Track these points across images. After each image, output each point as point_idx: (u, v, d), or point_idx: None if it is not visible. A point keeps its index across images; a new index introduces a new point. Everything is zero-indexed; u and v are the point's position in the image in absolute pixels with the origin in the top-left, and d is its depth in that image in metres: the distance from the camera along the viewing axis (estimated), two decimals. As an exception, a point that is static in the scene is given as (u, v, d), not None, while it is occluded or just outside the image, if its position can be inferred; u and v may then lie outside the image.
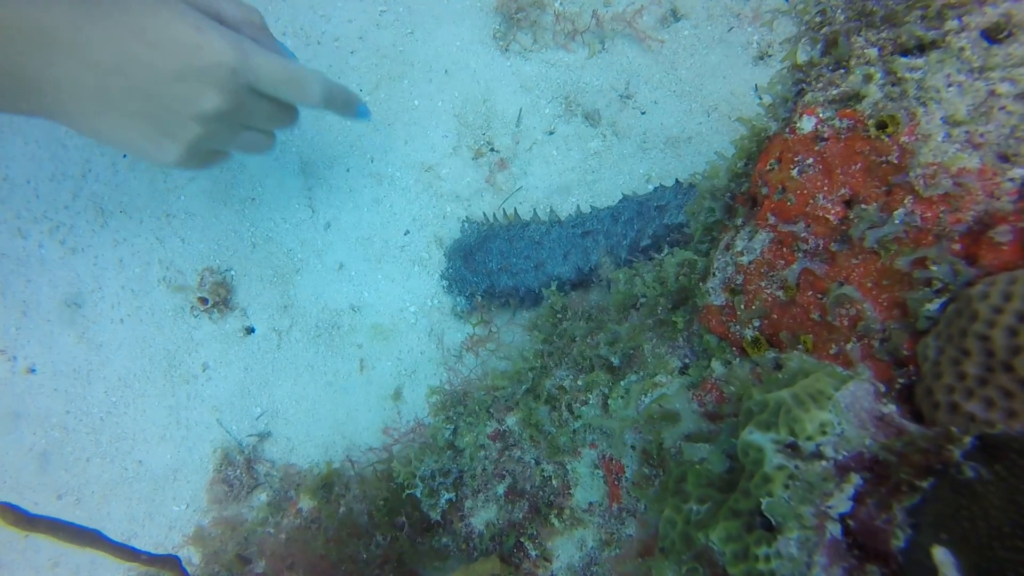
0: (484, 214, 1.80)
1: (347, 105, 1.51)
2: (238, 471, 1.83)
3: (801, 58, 1.01)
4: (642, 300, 1.20)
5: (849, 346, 0.76)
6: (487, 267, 1.71)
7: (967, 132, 0.73)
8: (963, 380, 0.59)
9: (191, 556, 1.81)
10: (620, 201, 1.66)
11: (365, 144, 1.97)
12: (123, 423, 1.85)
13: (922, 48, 0.82)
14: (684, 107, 1.79)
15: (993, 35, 0.76)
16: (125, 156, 2.02)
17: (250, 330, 1.92)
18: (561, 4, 1.97)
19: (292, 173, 1.98)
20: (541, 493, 1.29)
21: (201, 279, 1.92)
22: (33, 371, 1.89)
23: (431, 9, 2.06)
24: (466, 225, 1.82)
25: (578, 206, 1.75)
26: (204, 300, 1.86)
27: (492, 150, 1.95)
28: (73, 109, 1.21)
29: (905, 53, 0.84)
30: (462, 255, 1.77)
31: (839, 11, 0.93)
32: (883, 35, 0.89)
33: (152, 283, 1.94)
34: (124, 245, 1.96)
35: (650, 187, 1.72)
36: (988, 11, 0.77)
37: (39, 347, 1.90)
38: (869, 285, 0.76)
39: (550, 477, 1.28)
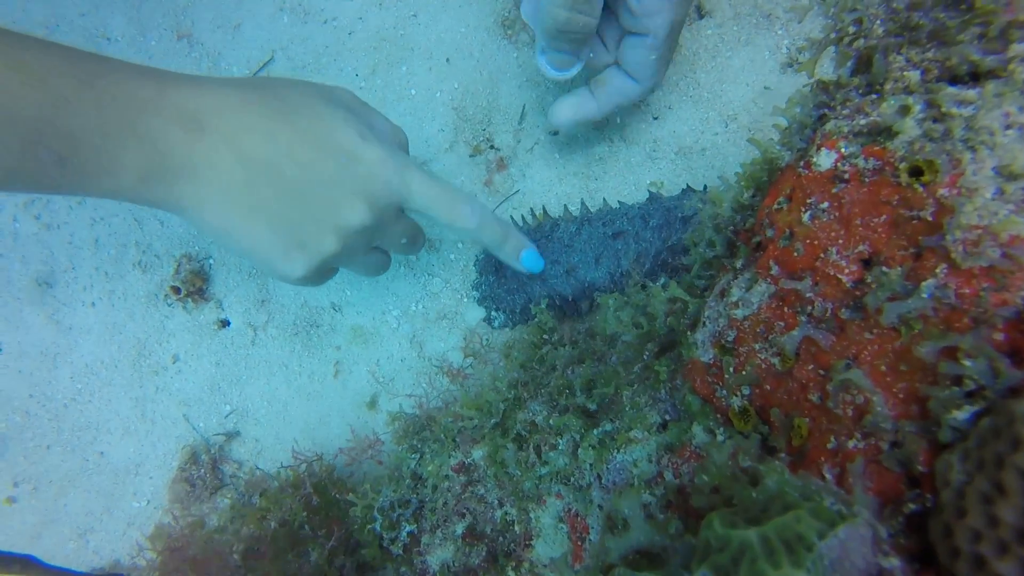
0: (512, 218, 1.64)
1: (507, 244, 1.36)
2: (202, 471, 1.75)
3: (823, 72, 0.86)
4: (625, 339, 1.06)
5: (852, 443, 0.62)
6: (518, 278, 1.56)
7: (1024, 189, 0.58)
8: (995, 528, 0.45)
9: (146, 556, 1.74)
10: (648, 200, 1.50)
11: (357, 133, 1.84)
12: (87, 412, 1.78)
13: (976, 77, 0.66)
14: (700, 114, 1.62)
15: (1069, 67, 0.60)
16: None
17: (225, 323, 1.82)
18: (577, -8, 1.81)
19: (279, 159, 1.86)
20: (501, 539, 1.17)
21: (178, 266, 1.82)
22: None
23: (438, -10, 1.91)
24: None
25: (604, 199, 1.58)
26: (177, 289, 1.77)
27: (491, 147, 1.81)
28: (210, 202, 1.08)
29: (955, 81, 0.68)
30: (494, 270, 1.63)
31: (878, 22, 0.77)
32: (929, 55, 0.73)
33: (127, 266, 1.85)
34: (101, 224, 1.87)
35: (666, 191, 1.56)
36: (1066, 36, 0.61)
37: (6, 325, 1.83)
38: (883, 369, 0.62)
39: (512, 522, 1.16)
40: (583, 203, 1.57)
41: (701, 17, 1.67)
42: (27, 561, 1.24)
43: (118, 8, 1.97)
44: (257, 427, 1.78)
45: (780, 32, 1.60)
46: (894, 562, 0.49)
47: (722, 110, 1.61)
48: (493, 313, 1.66)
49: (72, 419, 1.77)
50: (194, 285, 1.79)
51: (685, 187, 1.49)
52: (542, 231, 1.55)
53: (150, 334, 1.80)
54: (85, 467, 1.75)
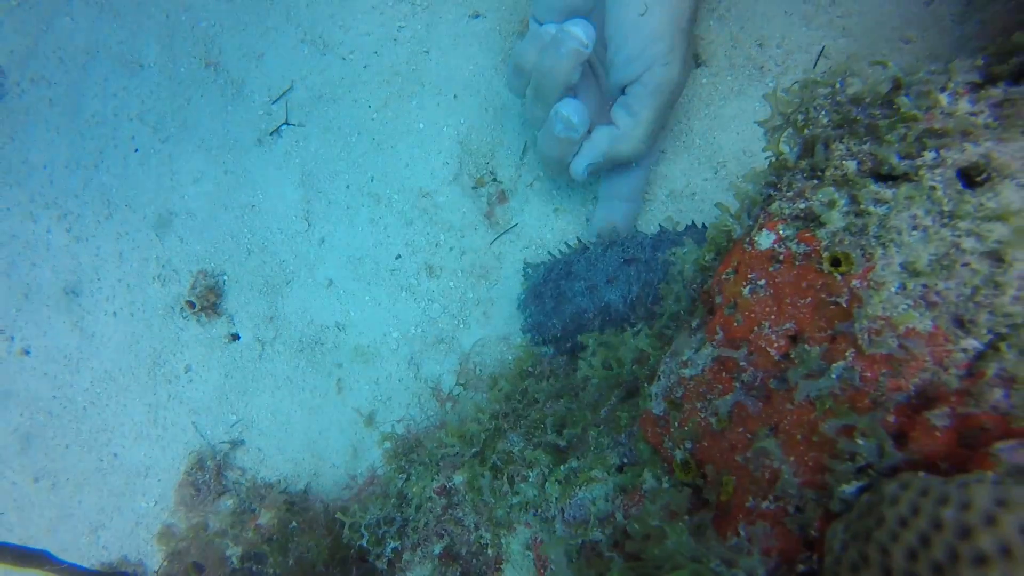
0: (550, 253, 1.67)
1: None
2: (207, 476, 1.85)
3: (784, 149, 0.93)
4: (593, 382, 1.14)
5: (765, 504, 0.69)
6: (548, 305, 1.60)
7: (924, 286, 0.65)
8: (856, 593, 0.52)
9: (153, 551, 1.85)
10: (659, 232, 1.55)
11: (367, 163, 1.95)
12: (104, 415, 1.90)
13: (895, 177, 0.73)
14: (691, 159, 1.70)
15: (970, 176, 0.67)
16: (137, 151, 2.05)
17: (235, 337, 1.93)
18: (581, 37, 1.90)
19: (293, 184, 1.98)
20: (475, 561, 1.25)
21: (194, 281, 1.94)
22: (27, 353, 1.95)
23: (451, 29, 2.01)
24: (529, 270, 1.69)
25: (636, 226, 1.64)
26: (192, 304, 1.88)
27: (494, 180, 1.90)
28: None
29: (879, 177, 0.76)
30: (535, 300, 1.64)
31: (823, 112, 0.85)
32: (865, 148, 0.80)
33: (147, 280, 1.97)
34: (125, 239, 2.00)
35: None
36: (968, 148, 0.68)
37: (36, 330, 1.96)
38: (799, 438, 0.69)
39: (486, 546, 1.24)
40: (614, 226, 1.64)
41: (697, 66, 1.75)
42: (43, 557, 1.35)
43: (152, 36, 2.10)
44: (261, 437, 1.89)
45: (771, 84, 1.67)
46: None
47: (712, 157, 1.69)
48: (544, 348, 1.64)
49: (90, 421, 1.89)
50: (208, 300, 1.91)
51: (690, 223, 1.55)
52: (573, 255, 1.59)
53: (165, 344, 1.92)
54: (100, 467, 1.87)
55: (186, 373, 1.91)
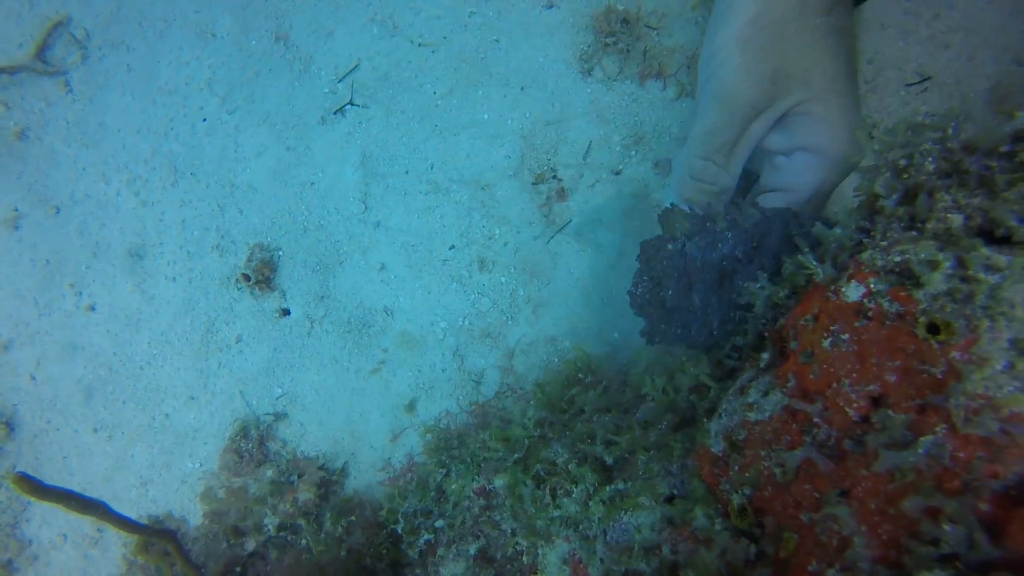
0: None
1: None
2: (251, 445, 1.91)
3: (880, 191, 0.87)
4: (650, 404, 1.12)
5: (831, 572, 0.66)
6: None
7: (1035, 368, 0.60)
8: None
9: (196, 509, 1.93)
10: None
11: (428, 150, 1.94)
12: (159, 376, 1.97)
13: (1011, 241, 0.68)
14: (764, 175, 1.63)
15: (1102, 253, 0.61)
16: (204, 120, 2.09)
17: (286, 312, 1.97)
18: (659, 37, 1.83)
19: (353, 165, 1.99)
20: (509, 567, 1.25)
21: (250, 254, 1.98)
22: (93, 309, 2.03)
23: (523, 18, 1.97)
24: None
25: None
26: (247, 276, 1.92)
27: (555, 177, 1.87)
28: None
29: (991, 239, 0.70)
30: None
31: (930, 159, 0.79)
32: (975, 202, 0.74)
33: (206, 249, 2.02)
34: (188, 207, 2.05)
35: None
36: (1104, 222, 0.62)
37: (101, 288, 2.03)
38: (872, 507, 0.66)
39: (522, 553, 1.24)
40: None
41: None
42: (102, 507, 1.42)
43: (227, 7, 2.12)
44: (304, 412, 1.93)
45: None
46: None
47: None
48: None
49: (146, 380, 1.96)
50: (262, 274, 1.95)
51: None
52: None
53: (219, 314, 1.97)
54: (152, 424, 1.95)
55: (237, 343, 1.97)
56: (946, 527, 0.58)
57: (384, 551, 1.46)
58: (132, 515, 1.65)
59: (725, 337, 1.12)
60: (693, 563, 0.73)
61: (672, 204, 1.28)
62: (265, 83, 2.08)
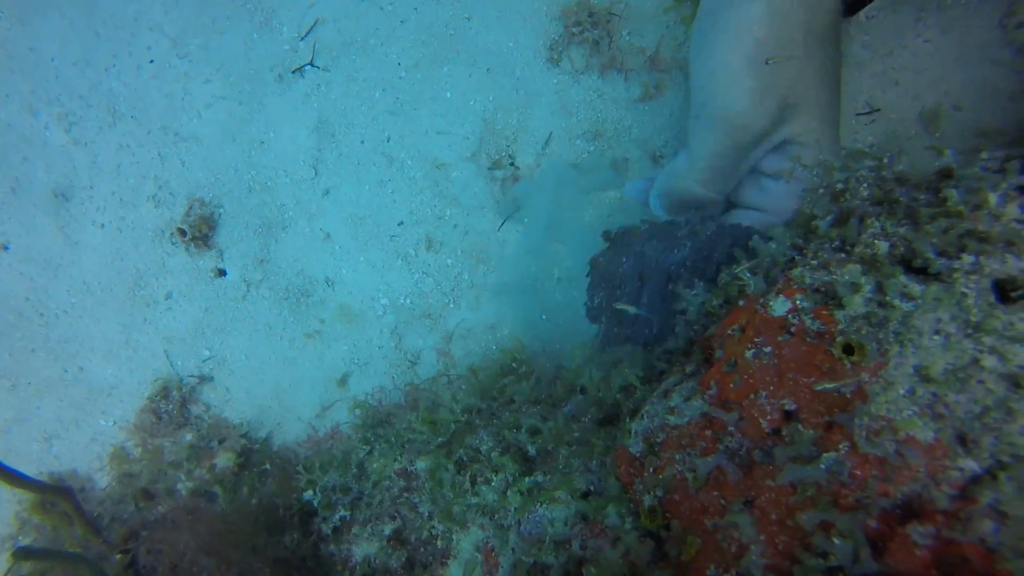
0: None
1: None
2: (171, 406, 1.83)
3: (816, 212, 0.90)
4: (579, 397, 1.12)
5: (726, 576, 0.68)
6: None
7: (934, 395, 0.63)
8: None
9: (104, 469, 1.84)
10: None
11: (386, 122, 1.89)
12: (76, 327, 1.86)
13: (927, 272, 0.70)
14: (715, 186, 1.66)
15: (1005, 291, 0.64)
16: (152, 62, 1.97)
17: (222, 273, 1.89)
18: (629, 35, 1.83)
19: (307, 128, 1.92)
20: (422, 550, 1.25)
21: (189, 208, 1.88)
22: (6, 248, 1.90)
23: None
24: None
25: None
26: (183, 231, 1.83)
27: (512, 164, 1.85)
28: None
29: (909, 268, 0.73)
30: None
31: (864, 185, 0.82)
32: (901, 231, 0.77)
33: (142, 198, 1.91)
34: (126, 152, 1.93)
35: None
36: (1010, 260, 0.65)
37: (18, 227, 1.90)
38: (774, 517, 0.68)
39: (436, 537, 1.24)
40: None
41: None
42: (-10, 462, 1.33)
43: (186, -54, 2.00)
44: (231, 378, 1.86)
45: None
46: None
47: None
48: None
49: (61, 330, 1.85)
50: (200, 231, 1.86)
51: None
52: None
53: (149, 267, 1.88)
54: (64, 377, 1.84)
55: (166, 300, 1.88)
56: (836, 541, 0.60)
57: (295, 501, 1.43)
58: (31, 471, 1.55)
59: (662, 340, 1.16)
60: (597, 560, 0.73)
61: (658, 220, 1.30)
62: (222, 30, 1.97)
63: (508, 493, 1.11)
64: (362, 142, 1.90)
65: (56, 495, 1.43)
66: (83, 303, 1.86)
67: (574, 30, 1.82)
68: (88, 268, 1.87)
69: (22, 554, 1.22)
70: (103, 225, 1.90)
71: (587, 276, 1.36)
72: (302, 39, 1.97)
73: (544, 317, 1.75)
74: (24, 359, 1.84)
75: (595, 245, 1.48)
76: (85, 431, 1.84)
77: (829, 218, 0.82)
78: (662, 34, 1.79)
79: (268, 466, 1.63)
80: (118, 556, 1.54)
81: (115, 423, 1.85)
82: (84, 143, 1.93)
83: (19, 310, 1.86)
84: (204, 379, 1.86)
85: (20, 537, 1.61)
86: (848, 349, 0.68)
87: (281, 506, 1.49)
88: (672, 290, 1.16)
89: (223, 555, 1.45)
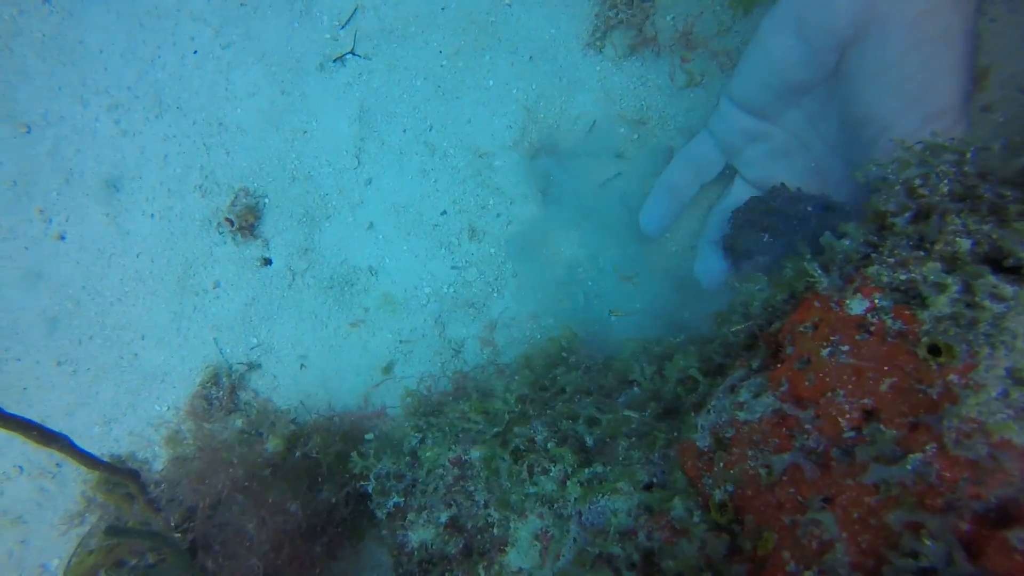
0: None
1: None
2: (221, 392, 1.88)
3: (891, 208, 0.88)
4: (635, 390, 1.13)
5: (808, 574, 0.69)
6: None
7: (1027, 399, 0.63)
8: None
9: (160, 453, 1.90)
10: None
11: (428, 110, 1.89)
12: (130, 314, 1.91)
13: (1018, 272, 0.69)
14: (764, 174, 1.64)
15: (1104, 295, 0.63)
16: (196, 52, 1.99)
17: (267, 261, 1.92)
18: (672, 19, 1.80)
19: (349, 118, 1.93)
20: (479, 537, 1.27)
21: (235, 198, 1.91)
22: (63, 238, 1.95)
23: (538, -16, 1.90)
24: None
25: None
26: (230, 221, 1.86)
27: (555, 152, 1.85)
28: None
29: (998, 267, 0.72)
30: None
31: (945, 181, 0.80)
32: (985, 228, 0.76)
33: (189, 187, 1.95)
34: (172, 142, 1.96)
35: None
36: (1110, 265, 0.64)
37: (73, 217, 1.95)
38: (855, 516, 0.68)
39: (493, 525, 1.26)
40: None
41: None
42: (65, 441, 1.38)
43: (228, -66, 2.00)
44: (278, 365, 1.90)
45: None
46: None
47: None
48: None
49: (116, 317, 1.90)
50: (246, 220, 1.89)
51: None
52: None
53: (197, 257, 1.91)
54: (119, 364, 1.90)
55: (214, 289, 1.92)
56: (927, 542, 0.61)
57: (335, 458, 1.48)
58: (94, 453, 1.61)
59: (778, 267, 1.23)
60: (673, 553, 0.75)
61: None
62: (263, 19, 1.98)
63: (567, 483, 1.12)
64: (404, 131, 1.90)
65: (123, 476, 1.49)
66: (135, 291, 1.91)
67: (609, 14, 1.79)
68: (140, 257, 1.92)
69: (113, 531, 1.29)
70: (152, 215, 1.94)
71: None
72: (342, 27, 1.97)
73: (584, 301, 1.76)
74: (83, 346, 1.90)
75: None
76: (141, 416, 1.90)
77: (907, 215, 0.81)
78: (703, 16, 1.75)
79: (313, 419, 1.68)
80: (178, 535, 1.60)
81: (168, 408, 1.91)
82: (132, 134, 1.97)
83: (77, 298, 1.91)
84: (252, 366, 1.91)
85: (87, 515, 1.67)
86: (934, 350, 0.67)
87: (324, 465, 1.54)
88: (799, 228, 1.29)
89: (258, 496, 1.51)
